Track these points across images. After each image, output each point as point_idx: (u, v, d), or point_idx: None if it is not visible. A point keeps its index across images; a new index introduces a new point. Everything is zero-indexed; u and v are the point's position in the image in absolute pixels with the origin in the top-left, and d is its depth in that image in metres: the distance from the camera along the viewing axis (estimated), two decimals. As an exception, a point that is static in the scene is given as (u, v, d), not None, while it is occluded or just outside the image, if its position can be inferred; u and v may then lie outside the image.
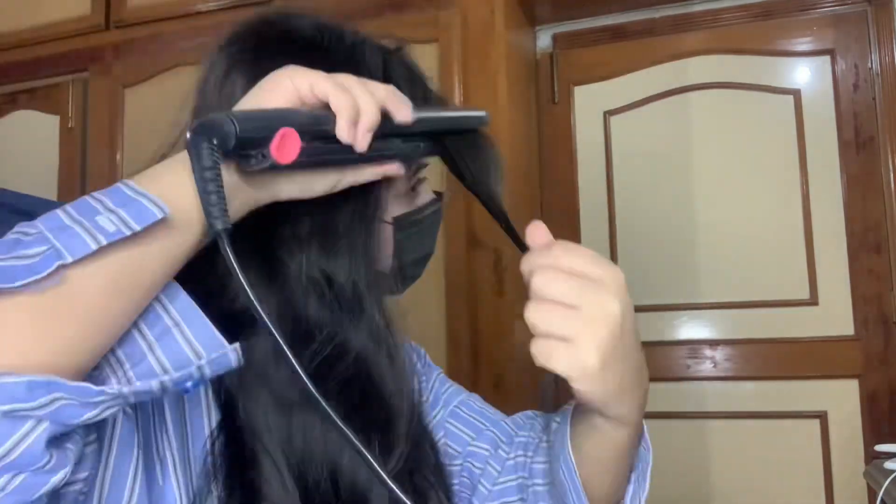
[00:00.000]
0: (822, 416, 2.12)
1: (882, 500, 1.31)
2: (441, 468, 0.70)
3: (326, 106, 0.52)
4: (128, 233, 0.42)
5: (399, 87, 0.62)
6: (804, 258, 2.16)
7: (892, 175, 2.08)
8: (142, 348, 0.45)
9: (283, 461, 0.54)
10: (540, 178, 2.40)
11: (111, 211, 0.43)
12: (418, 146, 0.62)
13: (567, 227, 2.38)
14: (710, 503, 2.18)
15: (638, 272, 2.30)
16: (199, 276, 0.52)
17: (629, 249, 2.32)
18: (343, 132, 0.51)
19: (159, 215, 0.43)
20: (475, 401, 0.80)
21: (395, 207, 0.65)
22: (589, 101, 2.40)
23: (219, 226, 0.44)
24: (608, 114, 2.38)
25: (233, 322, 0.51)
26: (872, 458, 1.56)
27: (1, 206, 0.67)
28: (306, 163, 0.50)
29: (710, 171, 2.26)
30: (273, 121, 0.47)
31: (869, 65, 2.16)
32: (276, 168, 0.48)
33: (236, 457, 0.54)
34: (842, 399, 2.11)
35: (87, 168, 2.31)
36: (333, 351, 0.56)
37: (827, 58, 2.20)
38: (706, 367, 2.22)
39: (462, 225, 1.88)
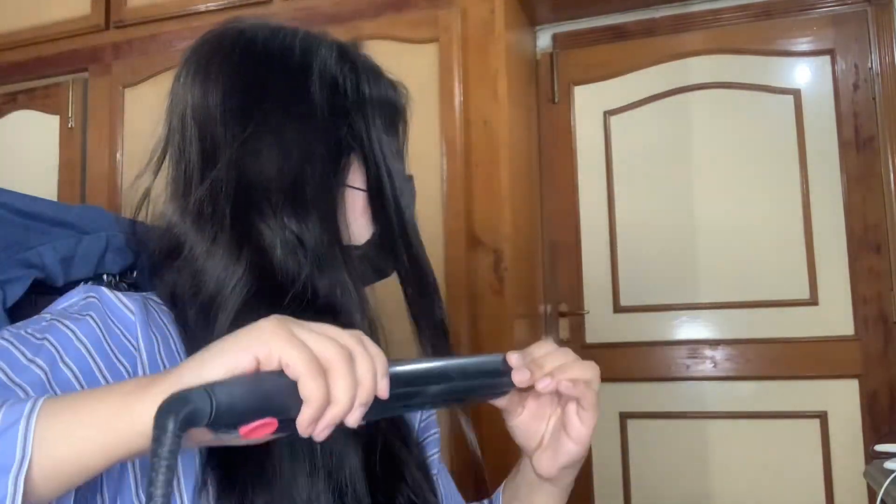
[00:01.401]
0: (822, 416, 2.12)
1: (882, 500, 1.31)
2: (425, 466, 0.72)
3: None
4: None
5: (359, 79, 0.67)
6: (804, 258, 2.16)
7: (892, 175, 2.08)
8: None
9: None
10: (540, 178, 2.40)
11: None
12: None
13: (567, 227, 2.38)
14: (709, 503, 2.18)
15: (638, 272, 2.30)
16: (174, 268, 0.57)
17: (629, 249, 2.32)
18: (303, 426, 0.46)
19: (11, 488, 0.42)
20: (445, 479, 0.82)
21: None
22: (589, 101, 2.40)
23: None
24: (608, 114, 2.38)
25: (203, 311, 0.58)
26: (872, 458, 1.56)
27: (1, 206, 0.67)
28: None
29: (709, 171, 2.26)
30: (252, 407, 0.45)
31: (869, 65, 2.16)
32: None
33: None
34: (842, 399, 2.11)
35: (86, 168, 2.31)
36: (305, 299, 0.60)
37: (827, 58, 2.20)
38: (706, 367, 2.22)
39: (462, 225, 1.88)
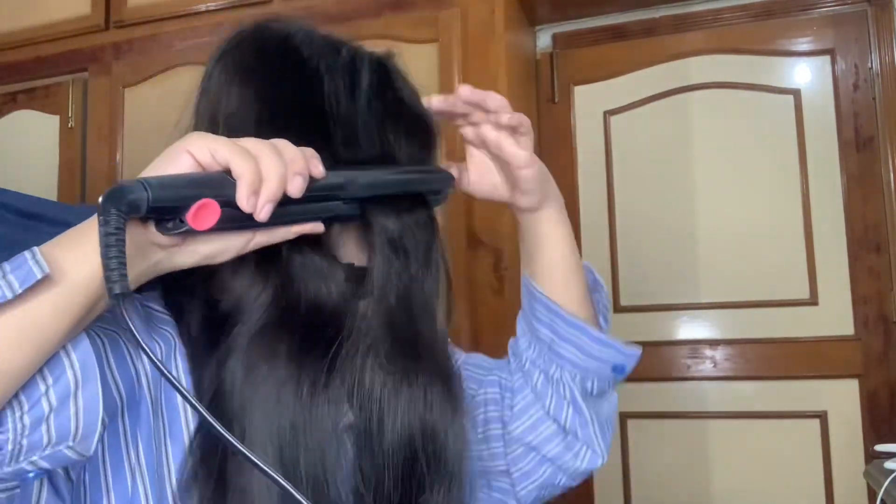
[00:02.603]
0: (822, 416, 2.12)
1: (882, 500, 1.31)
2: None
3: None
4: (10, 296, 0.45)
5: (401, 101, 0.67)
6: (804, 258, 2.16)
7: (892, 175, 2.08)
8: (42, 406, 0.48)
9: (268, 439, 0.55)
10: (540, 178, 2.40)
11: (4, 276, 0.46)
12: (356, 208, 0.62)
13: (567, 227, 2.38)
14: (709, 503, 2.18)
15: (638, 272, 2.30)
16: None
17: (629, 249, 2.32)
18: (242, 201, 0.50)
19: (39, 275, 0.46)
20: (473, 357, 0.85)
21: None
22: (589, 100, 2.40)
23: (116, 289, 0.45)
24: (608, 114, 2.38)
25: (215, 309, 0.58)
26: (872, 458, 1.56)
27: (1, 206, 0.67)
28: (223, 227, 0.51)
29: (710, 170, 2.26)
30: (186, 189, 0.49)
31: (869, 65, 2.16)
32: (193, 233, 0.51)
33: (219, 450, 0.56)
34: (842, 399, 2.11)
35: (86, 168, 2.31)
36: (329, 326, 0.60)
37: (827, 58, 2.20)
38: (706, 367, 2.22)
39: (462, 225, 1.88)
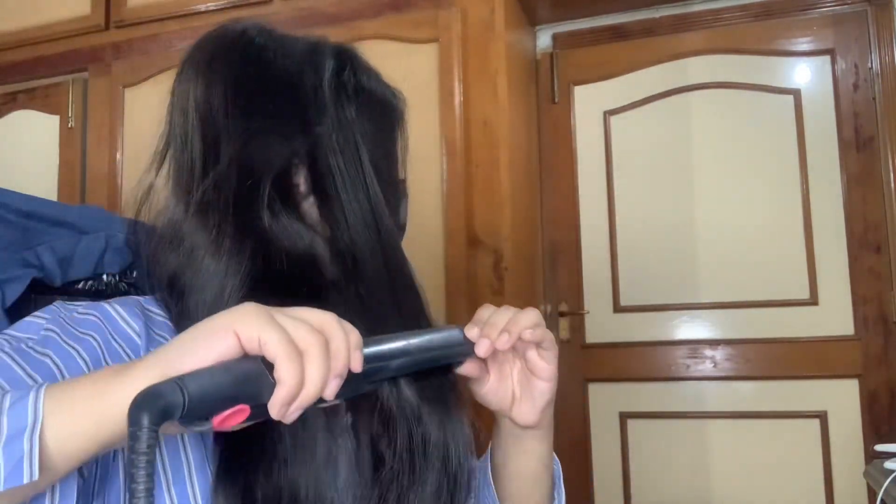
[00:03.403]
0: (822, 416, 2.12)
1: (882, 500, 1.31)
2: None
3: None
4: None
5: (358, 81, 0.69)
6: (804, 258, 2.16)
7: (892, 175, 2.08)
8: None
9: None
10: (540, 177, 2.40)
11: None
12: (383, 383, 0.61)
13: (567, 227, 2.38)
14: (709, 503, 2.18)
15: (638, 272, 2.30)
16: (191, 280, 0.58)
17: (629, 249, 2.32)
18: (274, 410, 0.46)
19: (26, 480, 0.42)
20: None
21: None
22: (589, 100, 2.40)
23: None
24: (608, 113, 2.38)
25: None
26: (872, 458, 1.56)
27: (1, 206, 0.67)
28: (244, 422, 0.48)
29: (710, 171, 2.26)
30: (224, 393, 0.44)
31: (869, 65, 2.16)
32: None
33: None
34: (842, 399, 2.11)
35: (86, 168, 2.31)
36: (314, 284, 0.62)
37: (827, 58, 2.20)
38: (706, 367, 2.22)
39: (462, 225, 1.88)
